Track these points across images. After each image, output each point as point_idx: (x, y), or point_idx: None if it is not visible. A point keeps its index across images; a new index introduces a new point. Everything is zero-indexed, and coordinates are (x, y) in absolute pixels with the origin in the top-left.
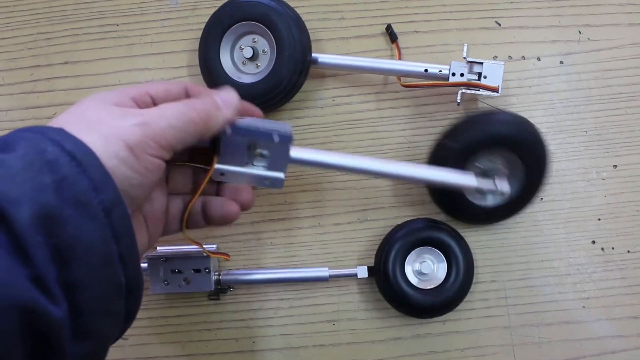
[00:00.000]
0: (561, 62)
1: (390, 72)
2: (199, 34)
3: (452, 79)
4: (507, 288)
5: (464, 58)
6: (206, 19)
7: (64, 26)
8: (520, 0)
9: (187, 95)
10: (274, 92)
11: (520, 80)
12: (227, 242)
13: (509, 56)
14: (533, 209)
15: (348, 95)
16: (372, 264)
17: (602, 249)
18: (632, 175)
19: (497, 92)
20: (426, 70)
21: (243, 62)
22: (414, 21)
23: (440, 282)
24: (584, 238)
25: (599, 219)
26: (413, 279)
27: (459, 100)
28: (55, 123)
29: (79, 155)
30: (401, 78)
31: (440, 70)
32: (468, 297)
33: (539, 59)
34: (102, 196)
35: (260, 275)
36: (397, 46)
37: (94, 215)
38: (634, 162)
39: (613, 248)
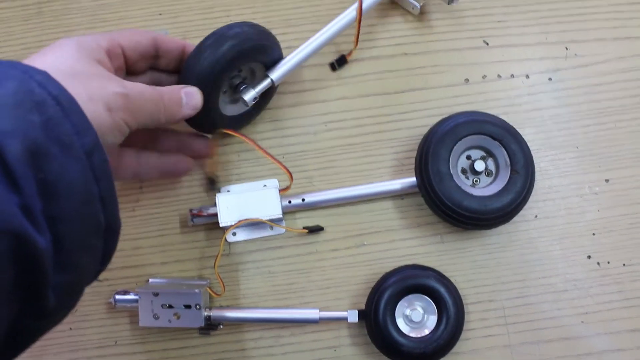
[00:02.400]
0: (550, 79)
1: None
2: None
3: None
4: (506, 307)
5: None
6: None
7: None
8: (507, 19)
9: (156, 47)
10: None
11: (510, 99)
12: (226, 272)
13: (498, 75)
14: (528, 227)
15: (341, 120)
16: (365, 300)
17: (598, 263)
18: (624, 189)
19: None
20: None
21: None
22: (402, 44)
23: (431, 329)
24: (580, 253)
25: (594, 234)
26: (404, 327)
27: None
28: (36, 64)
29: (63, 101)
30: None
31: None
32: (467, 317)
33: (527, 76)
34: (84, 140)
35: (249, 314)
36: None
37: (77, 157)
38: (626, 176)
39: (609, 262)
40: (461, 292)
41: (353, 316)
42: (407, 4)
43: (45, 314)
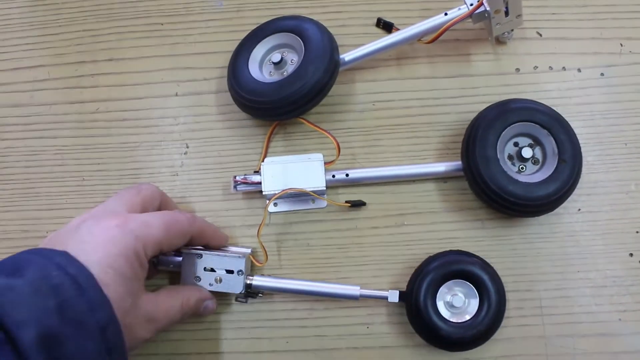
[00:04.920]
0: (602, 74)
1: (415, 36)
2: (243, 35)
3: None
4: (543, 297)
5: None
6: (250, 21)
7: (110, 24)
8: (562, 11)
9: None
10: (299, 93)
11: (560, 91)
12: (265, 242)
13: (550, 67)
14: (570, 219)
15: (389, 100)
16: (407, 282)
17: None
18: None
19: None
20: (446, 14)
21: (270, 73)
22: (454, 29)
23: (472, 315)
24: (622, 250)
25: (637, 232)
26: (445, 312)
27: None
28: (72, 244)
29: (80, 279)
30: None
31: (460, 8)
32: None
33: (579, 70)
34: (98, 315)
35: (290, 285)
36: (397, 29)
37: (91, 334)
38: None
39: None
40: None
41: (394, 296)
42: None
43: None
